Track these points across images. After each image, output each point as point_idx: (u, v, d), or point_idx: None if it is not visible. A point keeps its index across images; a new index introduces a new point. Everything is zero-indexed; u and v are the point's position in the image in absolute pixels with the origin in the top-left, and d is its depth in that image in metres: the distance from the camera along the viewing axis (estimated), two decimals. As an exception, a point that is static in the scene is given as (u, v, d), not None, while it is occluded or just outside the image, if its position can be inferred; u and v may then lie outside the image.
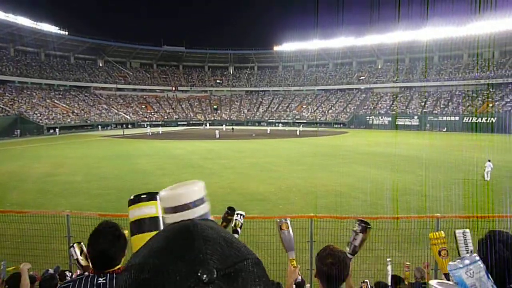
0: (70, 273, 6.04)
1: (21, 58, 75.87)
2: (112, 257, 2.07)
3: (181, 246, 0.53)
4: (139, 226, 1.09)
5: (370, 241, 6.92)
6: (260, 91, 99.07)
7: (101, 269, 2.06)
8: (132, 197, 1.11)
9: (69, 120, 64.89)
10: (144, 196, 1.11)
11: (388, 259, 5.37)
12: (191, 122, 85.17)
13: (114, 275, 2.04)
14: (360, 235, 2.66)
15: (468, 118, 61.13)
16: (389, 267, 5.21)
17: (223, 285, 0.49)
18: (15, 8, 66.27)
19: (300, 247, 7.49)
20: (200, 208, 0.87)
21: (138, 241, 1.07)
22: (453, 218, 7.73)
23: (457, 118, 62.77)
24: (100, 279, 2.02)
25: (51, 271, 5.35)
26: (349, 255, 2.56)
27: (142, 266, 0.51)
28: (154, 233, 1.08)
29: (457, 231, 2.78)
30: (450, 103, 69.47)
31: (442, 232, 3.47)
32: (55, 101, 69.86)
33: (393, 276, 4.96)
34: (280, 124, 79.25)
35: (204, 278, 0.48)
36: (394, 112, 72.32)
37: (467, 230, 2.80)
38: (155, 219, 1.10)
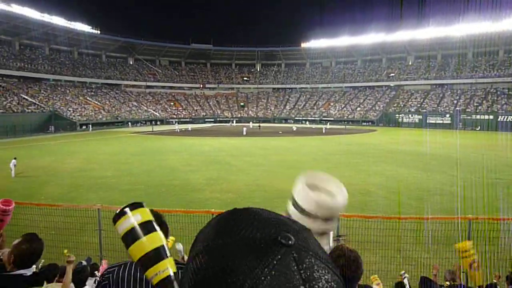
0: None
1: (56, 56, 78.47)
2: None
3: (250, 221, 0.53)
4: (133, 234, 1.07)
5: (398, 242, 6.80)
6: (287, 88, 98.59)
7: None
8: (116, 213, 1.11)
9: (100, 116, 66.67)
10: (127, 207, 1.11)
11: (403, 274, 5.21)
12: (218, 119, 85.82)
13: None
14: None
15: (503, 116, 58.85)
16: (406, 280, 5.06)
17: (302, 248, 0.50)
18: (50, 8, 68.62)
19: (326, 246, 7.44)
20: (336, 219, 0.84)
21: (136, 249, 1.07)
22: (485, 220, 7.46)
23: (491, 116, 60.52)
24: None
25: (84, 263, 5.50)
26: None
27: (221, 244, 0.51)
28: (152, 235, 1.09)
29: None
30: (484, 101, 67.04)
31: (468, 242, 3.36)
32: (88, 98, 71.93)
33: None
34: (307, 122, 78.65)
35: (285, 242, 0.49)
36: (425, 110, 70.49)
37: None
38: (146, 223, 1.09)
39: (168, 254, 1.10)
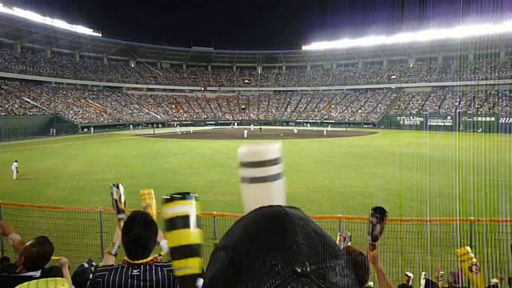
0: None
1: (57, 59, 78.69)
2: (145, 242, 2.15)
3: (275, 234, 0.52)
4: (185, 221, 1.11)
5: (400, 244, 6.79)
6: (288, 91, 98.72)
7: (135, 258, 2.13)
8: (167, 197, 1.15)
9: (102, 119, 66.79)
10: (178, 195, 1.15)
11: (411, 276, 5.21)
12: (219, 121, 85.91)
13: (148, 267, 2.11)
14: (378, 225, 2.57)
15: (504, 118, 58.76)
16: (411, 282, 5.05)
17: (315, 280, 0.48)
18: (52, 11, 68.85)
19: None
20: (275, 167, 0.90)
21: (180, 236, 1.11)
22: (487, 222, 7.46)
23: (493, 118, 60.42)
24: (134, 270, 2.10)
25: (85, 265, 5.50)
26: (371, 242, 2.50)
27: (238, 249, 0.52)
28: (186, 230, 1.11)
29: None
30: (485, 103, 66.98)
31: (467, 247, 3.39)
32: (89, 101, 72.08)
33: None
34: (308, 124, 78.62)
35: (298, 271, 0.48)
36: (426, 112, 70.45)
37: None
38: (186, 218, 1.12)
39: (200, 257, 1.12)
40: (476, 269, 3.21)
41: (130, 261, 2.14)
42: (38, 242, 2.90)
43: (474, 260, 3.27)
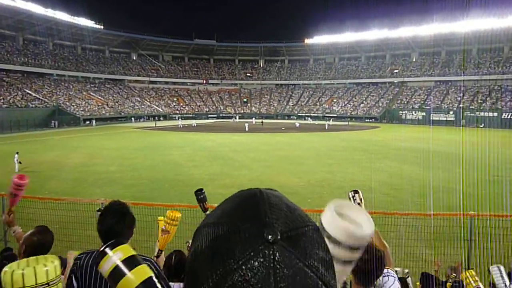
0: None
1: (59, 51, 78.57)
2: (118, 233, 2.19)
3: (249, 209, 0.58)
4: (118, 272, 1.07)
5: (400, 238, 6.82)
6: (290, 84, 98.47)
7: None
8: (97, 255, 1.12)
9: (104, 112, 66.83)
10: (107, 247, 1.11)
11: (407, 273, 5.20)
12: (221, 115, 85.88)
13: None
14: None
15: (507, 114, 58.55)
16: (409, 280, 5.03)
17: (286, 246, 0.52)
18: (54, 3, 68.63)
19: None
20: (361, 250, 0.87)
21: (124, 286, 1.07)
22: (487, 216, 7.47)
23: (495, 114, 60.20)
24: None
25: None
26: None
27: (217, 224, 0.57)
28: (138, 268, 1.08)
29: (491, 267, 2.80)
30: (488, 98, 66.72)
31: (472, 271, 3.45)
32: (91, 93, 72.08)
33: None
34: (310, 118, 78.47)
35: (269, 238, 0.51)
36: (428, 107, 70.22)
37: (501, 266, 2.79)
38: (130, 258, 1.10)
39: (158, 285, 1.10)
40: None
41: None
42: (39, 231, 2.95)
43: (479, 283, 3.32)
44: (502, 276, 2.80)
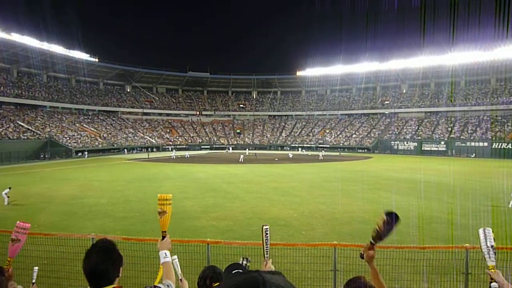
0: None
1: (53, 84, 79.07)
2: (103, 272, 2.11)
3: None
4: None
5: (396, 272, 6.71)
6: (283, 115, 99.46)
7: (96, 286, 2.10)
8: None
9: (97, 143, 66.59)
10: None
11: None
12: (214, 146, 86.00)
13: None
14: (387, 226, 2.60)
15: (497, 144, 59.38)
16: None
17: None
18: (50, 36, 69.67)
19: (323, 276, 7.32)
20: None
21: None
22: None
23: (486, 144, 61.04)
24: None
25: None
26: (372, 242, 2.57)
27: None
28: None
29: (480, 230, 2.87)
30: (478, 129, 67.77)
31: None
32: (84, 125, 72.04)
33: None
34: (303, 149, 78.79)
35: None
36: (420, 137, 71.07)
37: (489, 228, 2.84)
38: None
39: None
40: None
41: None
42: None
43: None
44: (485, 238, 2.86)
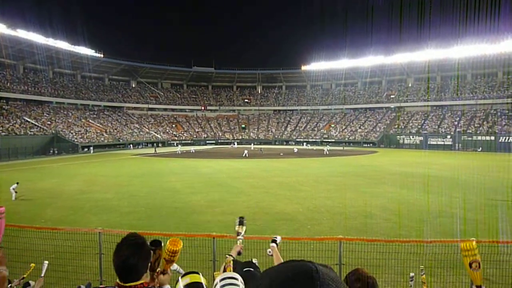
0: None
1: (59, 80, 79.39)
2: (133, 266, 2.11)
3: None
4: None
5: (402, 266, 6.72)
6: (288, 110, 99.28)
7: (125, 280, 2.11)
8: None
9: (102, 139, 66.92)
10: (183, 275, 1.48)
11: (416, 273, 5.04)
12: (219, 141, 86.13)
13: None
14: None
15: (504, 137, 58.91)
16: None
17: None
18: (55, 32, 69.80)
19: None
20: None
21: None
22: (489, 243, 7.39)
23: (492, 137, 60.58)
24: None
25: (82, 287, 5.42)
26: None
27: None
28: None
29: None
30: (485, 122, 67.27)
31: (474, 242, 3.38)
32: (90, 120, 72.39)
33: None
34: (308, 144, 78.69)
35: None
36: (426, 131, 70.67)
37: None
38: (193, 284, 1.48)
39: None
40: (476, 266, 3.21)
41: (120, 283, 2.14)
42: None
43: (478, 257, 3.26)
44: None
